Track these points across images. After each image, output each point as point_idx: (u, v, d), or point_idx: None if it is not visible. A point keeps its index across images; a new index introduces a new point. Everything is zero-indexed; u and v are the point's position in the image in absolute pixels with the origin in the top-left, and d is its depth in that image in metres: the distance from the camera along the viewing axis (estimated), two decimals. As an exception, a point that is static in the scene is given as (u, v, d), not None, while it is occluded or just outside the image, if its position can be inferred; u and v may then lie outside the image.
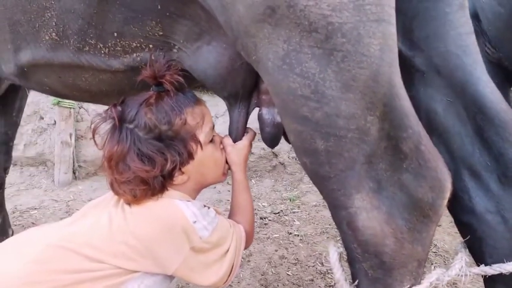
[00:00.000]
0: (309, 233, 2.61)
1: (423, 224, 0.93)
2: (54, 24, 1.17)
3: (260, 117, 1.17)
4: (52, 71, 1.34)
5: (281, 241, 2.51)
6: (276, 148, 3.66)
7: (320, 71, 0.84)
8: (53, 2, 1.13)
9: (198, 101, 1.16)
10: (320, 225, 2.73)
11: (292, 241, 2.52)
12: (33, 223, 2.84)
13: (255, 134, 1.30)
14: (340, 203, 0.94)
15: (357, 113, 0.86)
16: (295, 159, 3.55)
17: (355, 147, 0.89)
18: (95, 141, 1.11)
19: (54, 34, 1.19)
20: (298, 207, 3.00)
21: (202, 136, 1.14)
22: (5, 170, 2.42)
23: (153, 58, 1.11)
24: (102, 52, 1.19)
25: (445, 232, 2.58)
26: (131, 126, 1.07)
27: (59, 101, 3.48)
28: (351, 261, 1.00)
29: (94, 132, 1.10)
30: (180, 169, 1.11)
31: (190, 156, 1.11)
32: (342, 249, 1.06)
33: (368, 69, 0.83)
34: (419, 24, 1.09)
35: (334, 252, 1.06)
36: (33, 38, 1.25)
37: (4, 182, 2.43)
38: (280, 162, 3.62)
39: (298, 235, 2.58)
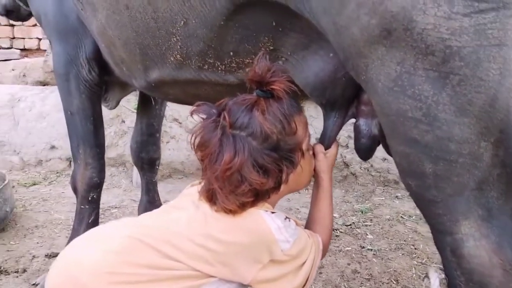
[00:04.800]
0: (383, 248, 2.56)
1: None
2: (179, 47, 1.27)
3: (356, 128, 1.17)
4: (176, 85, 1.46)
5: (353, 255, 2.48)
6: (348, 158, 3.62)
7: (433, 94, 0.83)
8: (178, 29, 1.22)
9: (301, 109, 1.14)
10: (395, 240, 2.66)
11: (365, 255, 2.48)
12: (114, 221, 3.00)
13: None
14: (446, 229, 0.92)
15: (470, 138, 0.84)
16: (367, 170, 3.49)
17: (466, 172, 0.87)
18: (193, 147, 1.09)
19: (178, 56, 1.29)
20: (371, 220, 2.95)
21: (304, 145, 1.13)
22: (156, 161, 2.61)
23: (257, 62, 1.06)
24: (219, 69, 1.28)
25: None
26: (243, 133, 1.02)
27: (140, 106, 3.66)
28: (452, 288, 0.97)
29: (195, 138, 1.08)
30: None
31: (296, 166, 1.09)
32: (443, 275, 1.03)
33: (485, 94, 0.81)
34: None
35: (435, 278, 1.03)
36: (160, 60, 1.36)
37: (156, 173, 2.64)
38: (351, 173, 3.58)
39: (371, 250, 2.54)
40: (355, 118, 1.19)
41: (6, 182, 2.85)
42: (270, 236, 1.04)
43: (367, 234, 2.73)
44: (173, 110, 3.82)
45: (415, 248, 2.56)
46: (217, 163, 1.03)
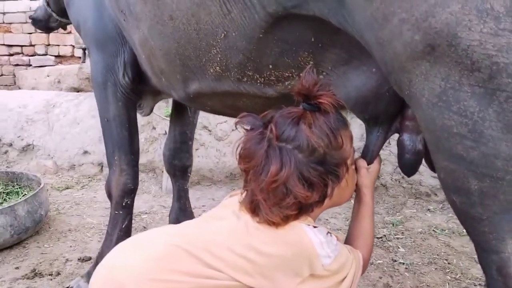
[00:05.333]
0: (415, 262, 2.51)
1: None
2: (218, 59, 1.29)
3: (400, 143, 1.15)
4: (215, 96, 1.48)
5: (385, 268, 2.44)
6: (378, 169, 3.56)
7: (479, 110, 0.82)
8: (219, 41, 1.23)
9: (347, 123, 1.14)
10: (427, 254, 2.60)
11: (397, 269, 2.44)
12: (144, 227, 3.04)
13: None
14: (491, 247, 0.89)
15: (518, 155, 0.82)
16: (398, 181, 3.44)
17: (513, 190, 0.85)
18: (238, 158, 1.10)
19: (218, 67, 1.31)
20: (402, 233, 2.90)
21: (349, 160, 1.13)
22: (188, 169, 2.66)
23: (305, 75, 1.06)
24: (258, 81, 1.29)
25: None
26: (289, 146, 1.03)
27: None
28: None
29: (240, 149, 1.09)
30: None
31: (340, 180, 1.09)
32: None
33: (534, 111, 0.79)
34: None
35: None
36: (200, 71, 1.38)
37: (188, 180, 2.69)
38: (381, 184, 3.53)
39: (403, 263, 2.49)
40: (398, 133, 1.17)
41: (42, 186, 2.94)
42: (312, 250, 1.04)
43: (398, 247, 2.69)
44: (202, 118, 3.85)
45: (449, 263, 2.50)
46: (263, 175, 1.04)
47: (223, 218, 1.14)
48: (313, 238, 1.05)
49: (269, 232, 1.05)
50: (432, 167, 1.17)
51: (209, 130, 3.93)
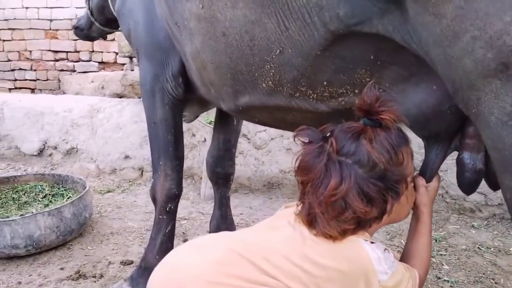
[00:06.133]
0: (460, 280, 2.43)
1: None
2: (272, 74, 1.30)
3: (460, 161, 1.13)
4: (265, 110, 1.49)
5: (429, 285, 2.37)
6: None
7: (553, 131, 0.79)
8: (273, 57, 1.24)
9: (409, 140, 1.12)
10: (473, 272, 2.52)
11: (441, 286, 2.37)
12: (183, 232, 3.08)
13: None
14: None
15: None
16: (442, 196, 3.35)
17: None
18: (296, 170, 1.10)
19: (270, 82, 1.32)
20: (446, 249, 2.81)
21: (409, 177, 1.12)
22: (230, 176, 2.69)
23: (366, 91, 1.06)
24: (311, 97, 1.29)
25: None
26: (349, 161, 1.03)
27: (211, 121, 3.75)
28: None
29: (298, 162, 1.09)
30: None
31: (400, 197, 1.08)
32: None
33: None
34: None
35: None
36: (251, 85, 1.40)
37: (229, 188, 2.73)
38: (423, 198, 3.44)
39: (448, 281, 2.41)
40: (457, 151, 1.15)
41: (87, 189, 3.03)
42: (369, 265, 1.04)
43: (442, 264, 2.61)
44: (242, 126, 3.88)
45: (496, 283, 2.41)
46: (322, 189, 1.04)
47: (279, 227, 1.15)
48: (370, 253, 1.05)
49: (326, 245, 1.06)
50: (492, 186, 1.14)
51: (248, 139, 3.95)
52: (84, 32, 3.00)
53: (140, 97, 4.34)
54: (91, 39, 3.19)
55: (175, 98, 2.01)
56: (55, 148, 4.57)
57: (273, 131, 3.88)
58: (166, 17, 1.70)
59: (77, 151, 4.51)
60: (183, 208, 3.55)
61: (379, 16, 1.01)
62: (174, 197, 2.18)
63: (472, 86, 0.87)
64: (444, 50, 0.88)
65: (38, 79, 6.63)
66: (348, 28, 1.07)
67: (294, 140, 1.11)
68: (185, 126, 4.02)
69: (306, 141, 1.10)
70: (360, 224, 1.06)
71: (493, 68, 0.81)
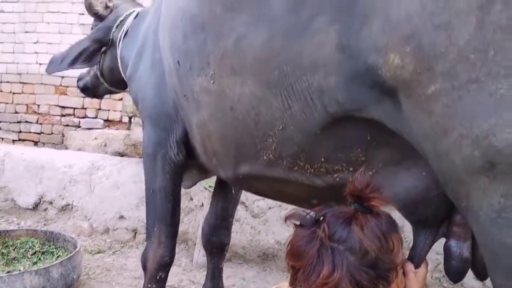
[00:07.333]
0: None
1: None
2: (273, 148, 1.35)
3: (447, 249, 1.15)
4: (263, 181, 1.53)
5: None
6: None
7: (541, 231, 0.81)
8: (276, 132, 1.30)
9: (397, 226, 1.12)
10: None
11: None
12: (172, 301, 2.98)
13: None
14: None
15: None
16: (439, 280, 3.27)
17: None
18: (288, 254, 1.09)
19: (271, 155, 1.37)
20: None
21: (400, 265, 1.11)
22: (225, 247, 2.64)
23: (357, 177, 1.08)
24: (309, 171, 1.33)
25: None
26: (341, 247, 1.02)
27: (210, 186, 3.76)
28: None
29: (290, 246, 1.08)
30: None
31: (390, 285, 1.06)
32: None
33: None
34: None
35: None
36: (253, 157, 1.45)
37: (223, 258, 2.66)
38: None
39: None
40: (445, 238, 1.16)
41: (77, 249, 2.98)
42: None
43: None
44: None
45: None
46: (314, 276, 1.02)
47: None
48: None
49: None
50: (479, 276, 1.14)
51: (246, 206, 3.94)
52: (91, 90, 3.09)
53: (141, 157, 4.39)
54: (98, 97, 3.28)
55: (176, 165, 2.04)
56: (51, 203, 4.54)
57: (271, 200, 3.87)
58: (176, 88, 1.78)
59: (72, 207, 4.48)
60: (174, 275, 3.46)
61: (375, 104, 1.07)
62: (166, 265, 2.15)
63: (461, 181, 0.89)
64: (433, 144, 0.92)
65: (43, 133, 6.72)
66: (346, 113, 1.12)
67: (285, 222, 1.12)
68: (183, 189, 4.03)
69: (298, 223, 1.10)
70: None
71: (480, 166, 0.85)
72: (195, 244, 3.79)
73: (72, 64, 2.65)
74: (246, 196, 3.92)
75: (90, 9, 2.72)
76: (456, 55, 0.84)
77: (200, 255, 3.68)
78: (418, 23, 0.88)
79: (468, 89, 0.83)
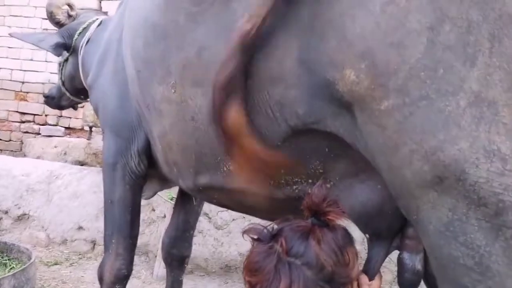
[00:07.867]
0: None
1: None
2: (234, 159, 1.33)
3: (400, 261, 1.18)
4: (223, 192, 1.52)
5: None
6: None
7: (486, 244, 0.84)
8: None
9: (353, 240, 1.14)
10: None
11: None
12: (130, 314, 2.90)
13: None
14: None
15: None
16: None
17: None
18: (245, 270, 1.09)
19: (231, 166, 1.35)
20: None
21: (355, 279, 1.13)
22: (185, 259, 2.59)
23: (314, 191, 1.10)
24: (269, 183, 1.32)
25: None
26: (298, 262, 1.02)
27: (173, 197, 3.71)
28: None
29: (247, 261, 1.09)
30: None
31: None
32: None
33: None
34: None
35: None
36: (213, 168, 1.44)
37: (183, 271, 2.63)
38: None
39: None
40: (399, 250, 1.19)
41: (32, 261, 2.88)
42: None
43: None
44: (204, 204, 3.85)
45: None
46: None
47: None
48: None
49: None
50: None
51: (209, 218, 3.91)
52: (55, 101, 3.03)
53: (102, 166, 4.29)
54: (62, 108, 3.22)
55: (136, 175, 2.01)
56: (6, 212, 4.35)
57: (234, 212, 3.85)
58: (137, 97, 1.76)
59: (28, 217, 4.31)
60: (132, 287, 3.38)
61: (333, 118, 1.09)
62: (123, 278, 2.10)
63: (412, 195, 0.92)
64: (386, 158, 0.95)
65: (1, 139, 6.48)
66: (305, 125, 1.14)
67: (242, 236, 1.12)
68: (145, 200, 3.96)
69: (255, 237, 1.10)
70: None
71: (429, 180, 0.88)
72: (156, 256, 3.72)
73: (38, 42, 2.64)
74: (209, 207, 3.89)
75: (51, 18, 2.67)
76: (407, 72, 0.87)
77: (160, 267, 3.61)
78: (373, 41, 0.91)
79: (419, 105, 0.86)
